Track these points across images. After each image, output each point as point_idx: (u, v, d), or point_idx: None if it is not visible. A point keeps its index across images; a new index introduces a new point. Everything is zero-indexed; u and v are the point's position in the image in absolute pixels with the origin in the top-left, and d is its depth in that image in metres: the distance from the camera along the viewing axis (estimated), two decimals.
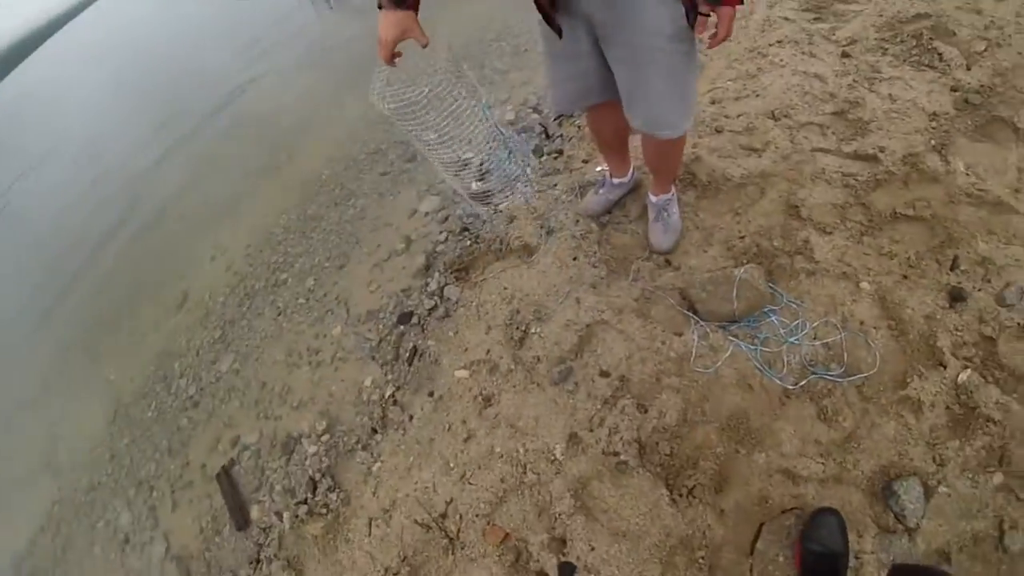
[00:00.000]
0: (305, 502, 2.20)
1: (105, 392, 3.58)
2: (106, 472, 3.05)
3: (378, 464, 2.14)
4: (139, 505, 2.77)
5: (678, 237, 2.23)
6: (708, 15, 1.53)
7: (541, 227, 2.57)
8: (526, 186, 1.93)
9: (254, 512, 2.37)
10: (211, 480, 2.59)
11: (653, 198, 2.21)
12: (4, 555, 3.08)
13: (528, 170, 2.06)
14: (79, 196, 6.73)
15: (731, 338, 1.90)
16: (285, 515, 2.21)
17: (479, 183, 1.91)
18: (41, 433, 3.70)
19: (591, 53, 1.69)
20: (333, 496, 2.15)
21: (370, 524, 1.99)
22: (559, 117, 3.15)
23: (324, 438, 2.39)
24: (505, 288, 2.41)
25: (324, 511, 2.13)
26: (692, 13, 1.50)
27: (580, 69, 1.75)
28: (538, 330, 2.19)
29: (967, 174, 2.15)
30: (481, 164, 1.85)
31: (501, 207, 2.11)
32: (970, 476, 1.50)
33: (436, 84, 1.54)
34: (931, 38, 2.74)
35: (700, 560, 1.55)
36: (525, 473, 1.85)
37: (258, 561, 2.17)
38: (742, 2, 1.49)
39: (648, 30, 1.53)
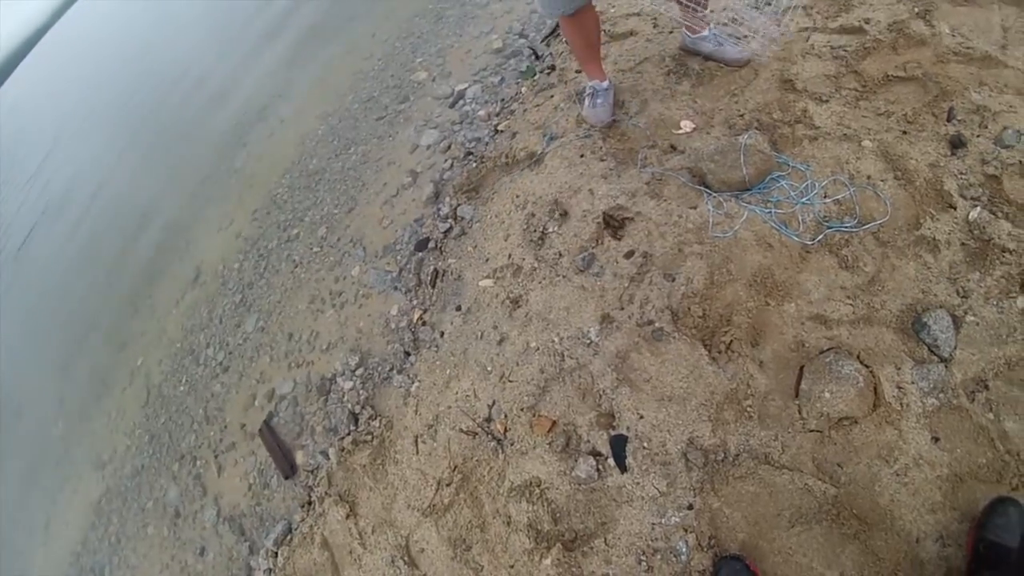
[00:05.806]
0: (349, 434, 2.23)
1: (135, 378, 3.60)
2: (147, 454, 3.09)
3: (416, 384, 2.18)
4: (184, 477, 2.80)
5: None
6: None
7: (543, 135, 2.59)
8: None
9: (299, 457, 2.40)
10: (252, 438, 2.62)
11: (705, 32, 2.41)
12: (63, 553, 3.12)
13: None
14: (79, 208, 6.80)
15: (744, 204, 1.94)
16: (331, 451, 2.25)
17: None
18: (78, 431, 3.72)
19: None
20: (376, 424, 2.19)
21: (416, 442, 2.03)
22: (551, 33, 3.22)
23: (358, 372, 2.42)
24: (517, 196, 2.45)
25: (369, 438, 2.16)
26: None
27: None
28: (555, 228, 2.22)
29: (953, 35, 2.19)
30: None
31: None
32: (994, 304, 1.54)
33: None
34: None
35: (748, 410, 1.59)
36: (563, 360, 1.89)
37: (310, 503, 2.20)
38: None
39: None
